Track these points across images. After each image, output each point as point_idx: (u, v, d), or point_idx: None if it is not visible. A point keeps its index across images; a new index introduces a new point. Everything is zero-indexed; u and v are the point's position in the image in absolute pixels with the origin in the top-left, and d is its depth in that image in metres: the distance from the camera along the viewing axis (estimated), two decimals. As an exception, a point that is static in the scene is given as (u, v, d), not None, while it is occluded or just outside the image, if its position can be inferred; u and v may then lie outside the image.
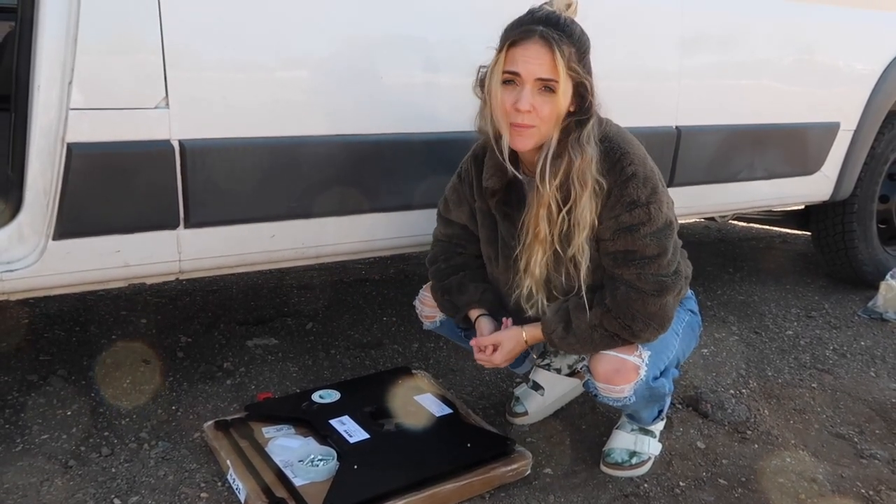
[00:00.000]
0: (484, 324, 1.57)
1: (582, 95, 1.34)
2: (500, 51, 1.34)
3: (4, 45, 1.99)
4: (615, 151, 1.37)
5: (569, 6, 1.34)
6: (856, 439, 1.81)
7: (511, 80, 1.32)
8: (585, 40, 1.33)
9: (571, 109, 1.35)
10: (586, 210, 1.35)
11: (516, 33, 1.31)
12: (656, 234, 1.37)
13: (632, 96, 2.05)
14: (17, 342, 2.17)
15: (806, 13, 2.42)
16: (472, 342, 1.54)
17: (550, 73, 1.29)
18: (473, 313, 1.60)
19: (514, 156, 1.45)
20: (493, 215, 1.53)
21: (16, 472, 1.52)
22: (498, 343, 1.51)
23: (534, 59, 1.29)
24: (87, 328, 2.30)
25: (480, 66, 1.41)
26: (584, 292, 1.41)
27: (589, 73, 1.35)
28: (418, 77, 1.74)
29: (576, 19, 1.34)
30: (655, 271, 1.37)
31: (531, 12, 1.33)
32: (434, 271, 1.66)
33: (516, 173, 1.46)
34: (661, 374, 1.49)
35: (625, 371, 1.42)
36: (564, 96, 1.31)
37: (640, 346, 1.43)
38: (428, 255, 1.71)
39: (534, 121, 1.33)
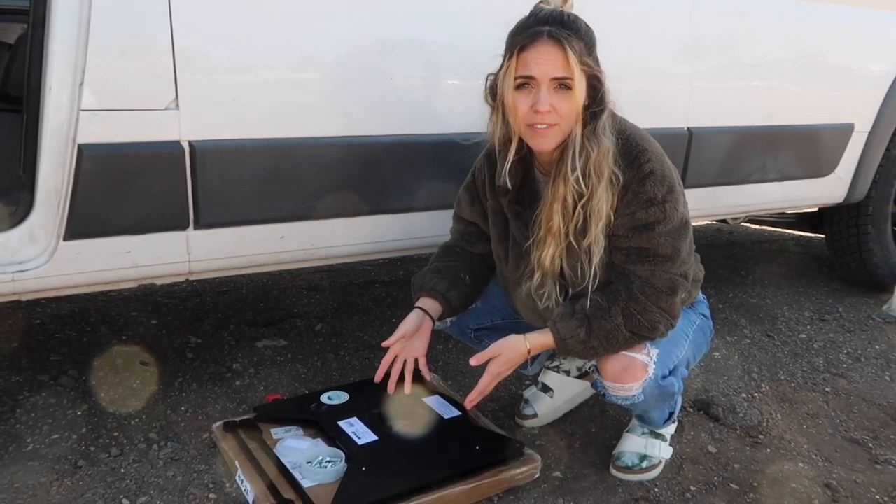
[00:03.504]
0: (408, 319, 1.54)
1: (595, 88, 1.34)
2: (509, 57, 1.33)
3: (16, 47, 2.00)
4: (633, 148, 1.37)
5: (565, 1, 1.33)
6: (870, 444, 1.79)
7: (525, 83, 1.32)
8: (592, 33, 1.33)
9: (586, 103, 1.34)
10: (602, 201, 1.35)
11: (524, 37, 1.30)
12: (671, 234, 1.36)
13: (643, 98, 2.03)
14: (28, 342, 2.18)
15: (820, 14, 2.39)
16: (472, 361, 1.46)
17: (565, 71, 1.29)
18: (419, 300, 1.58)
19: (527, 156, 1.44)
20: (505, 214, 1.53)
21: (26, 472, 1.53)
22: (497, 354, 1.44)
23: (546, 60, 1.28)
24: (97, 329, 2.31)
25: (488, 75, 1.40)
26: (594, 286, 1.40)
27: (598, 64, 1.34)
28: (428, 79, 1.74)
29: (578, 13, 1.33)
30: (668, 269, 1.37)
31: (534, 14, 1.32)
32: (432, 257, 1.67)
33: (539, 172, 1.46)
34: (671, 373, 1.48)
35: (633, 369, 1.41)
36: (580, 91, 1.31)
37: (648, 345, 1.42)
38: None
39: (555, 119, 1.32)
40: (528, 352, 1.44)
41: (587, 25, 1.33)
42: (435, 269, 1.62)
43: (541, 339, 1.44)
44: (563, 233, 1.39)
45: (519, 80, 1.32)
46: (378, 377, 1.53)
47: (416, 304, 1.58)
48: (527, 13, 1.34)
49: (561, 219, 1.38)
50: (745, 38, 2.24)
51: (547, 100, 1.30)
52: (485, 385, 1.45)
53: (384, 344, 1.52)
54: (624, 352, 1.41)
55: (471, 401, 1.47)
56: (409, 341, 1.54)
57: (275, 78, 1.55)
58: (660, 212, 1.35)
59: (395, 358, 1.53)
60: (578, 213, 1.37)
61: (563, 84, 1.30)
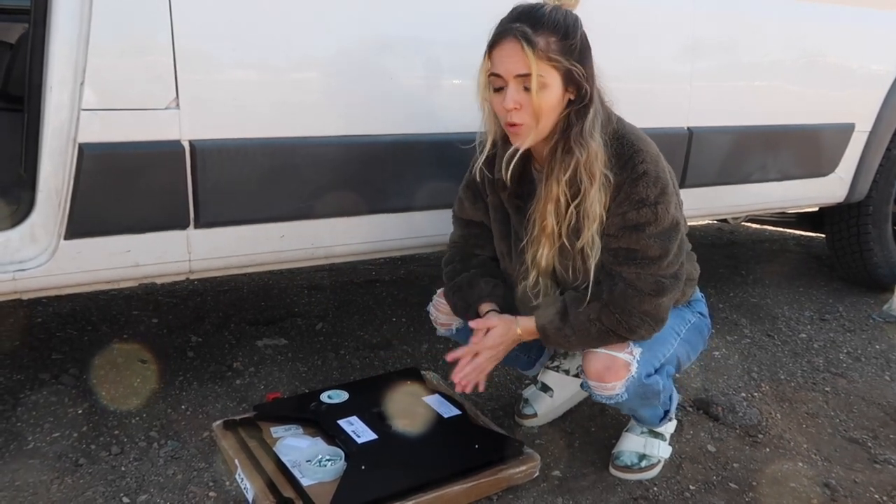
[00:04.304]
0: (497, 331, 1.49)
1: (576, 83, 1.32)
2: (484, 56, 1.34)
3: (17, 47, 2.01)
4: (628, 149, 1.36)
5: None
6: (869, 444, 1.79)
7: (497, 80, 1.33)
8: (569, 27, 1.29)
9: (571, 97, 1.34)
10: (595, 203, 1.34)
11: (494, 35, 1.32)
12: (661, 236, 1.36)
13: (643, 97, 2.04)
14: (29, 341, 2.19)
15: (820, 14, 2.39)
16: (471, 324, 1.47)
17: (526, 68, 1.27)
18: (484, 308, 1.54)
19: (525, 151, 1.44)
20: (506, 209, 1.53)
21: (26, 470, 1.54)
22: (491, 326, 1.45)
23: (508, 58, 1.29)
24: (98, 327, 2.32)
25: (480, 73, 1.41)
26: (591, 284, 1.39)
27: (580, 59, 1.31)
28: (428, 78, 1.74)
29: (577, 9, 1.33)
30: (655, 272, 1.36)
31: (513, 10, 1.32)
32: (448, 272, 1.62)
33: (535, 168, 1.46)
34: (656, 371, 1.48)
35: (615, 368, 1.41)
36: (549, 88, 1.30)
37: (631, 344, 1.42)
38: (443, 258, 1.68)
39: (523, 118, 1.32)
40: (518, 333, 1.46)
41: (567, 17, 1.30)
42: (478, 274, 1.57)
43: (527, 324, 1.46)
44: (557, 233, 1.40)
45: (492, 79, 1.33)
46: (451, 357, 1.50)
47: (488, 311, 1.51)
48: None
49: (554, 219, 1.38)
50: (745, 37, 2.23)
51: (513, 97, 1.30)
52: (475, 349, 1.45)
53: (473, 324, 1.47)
54: (607, 351, 1.41)
55: (459, 366, 1.45)
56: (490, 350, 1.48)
57: (275, 77, 1.55)
58: (651, 213, 1.34)
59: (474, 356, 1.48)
60: (571, 213, 1.37)
61: (527, 83, 1.29)
